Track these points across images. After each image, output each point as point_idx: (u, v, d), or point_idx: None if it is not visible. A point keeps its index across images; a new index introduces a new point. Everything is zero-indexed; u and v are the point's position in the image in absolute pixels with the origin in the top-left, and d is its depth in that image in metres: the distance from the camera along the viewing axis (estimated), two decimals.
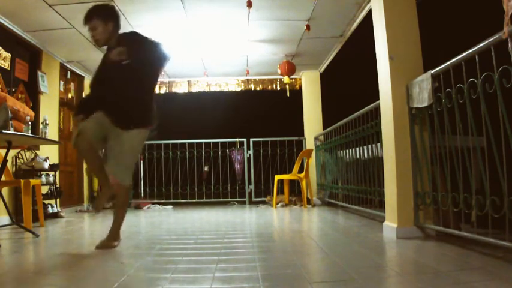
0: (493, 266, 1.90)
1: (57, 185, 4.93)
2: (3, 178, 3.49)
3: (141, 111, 2.66)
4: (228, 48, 5.48)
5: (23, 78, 4.66)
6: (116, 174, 2.61)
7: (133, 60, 2.50)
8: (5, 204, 3.69)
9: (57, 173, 4.93)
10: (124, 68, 2.51)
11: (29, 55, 4.85)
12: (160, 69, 2.81)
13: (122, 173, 2.62)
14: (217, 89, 7.04)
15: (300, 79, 6.92)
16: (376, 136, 3.56)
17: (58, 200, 4.89)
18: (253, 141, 6.77)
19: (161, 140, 6.96)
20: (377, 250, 2.48)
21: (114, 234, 2.66)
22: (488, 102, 2.04)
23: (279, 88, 6.98)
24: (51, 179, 4.71)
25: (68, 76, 5.88)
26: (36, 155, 4.67)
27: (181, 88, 6.98)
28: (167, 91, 6.97)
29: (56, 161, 5.17)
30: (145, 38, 2.64)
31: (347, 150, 4.72)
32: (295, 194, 6.24)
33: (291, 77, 5.99)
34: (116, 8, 2.83)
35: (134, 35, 2.69)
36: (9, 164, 4.02)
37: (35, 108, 4.73)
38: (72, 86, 6.13)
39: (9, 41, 4.35)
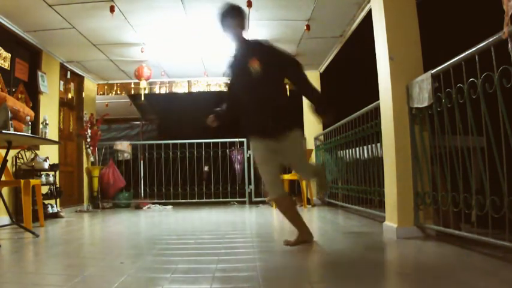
0: (493, 266, 1.90)
1: (57, 185, 4.93)
2: (3, 178, 3.49)
3: (286, 116, 2.61)
4: (228, 48, 5.47)
5: (23, 78, 4.66)
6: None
7: (266, 71, 2.50)
8: (5, 204, 3.69)
9: (57, 173, 4.93)
10: (258, 78, 2.50)
11: (29, 55, 4.85)
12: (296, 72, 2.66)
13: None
14: (217, 89, 7.03)
15: None
16: (376, 136, 3.56)
17: (58, 200, 4.89)
18: None
19: (161, 140, 6.98)
20: (377, 250, 2.48)
21: (300, 233, 2.67)
22: (488, 102, 2.04)
23: None
24: (51, 179, 4.71)
25: (68, 76, 5.88)
26: (36, 155, 4.67)
27: (181, 88, 6.98)
28: (167, 91, 6.97)
29: (56, 161, 5.17)
30: (276, 49, 2.63)
31: (347, 150, 4.72)
32: (295, 194, 6.23)
33: None
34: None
35: (272, 49, 2.63)
36: (9, 164, 4.02)
37: (35, 108, 4.72)
38: (72, 86, 6.13)
39: (9, 41, 4.35)
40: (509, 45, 1.77)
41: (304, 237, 2.65)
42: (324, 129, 6.18)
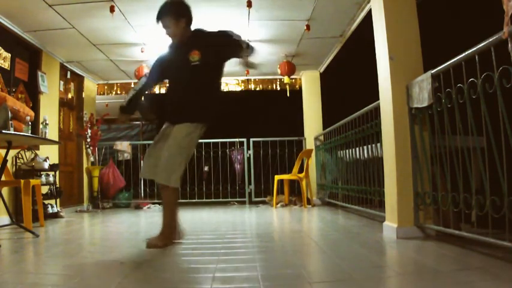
0: (493, 266, 1.89)
1: (57, 185, 4.93)
2: (3, 178, 3.49)
3: (192, 108, 2.60)
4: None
5: (23, 78, 4.66)
6: (155, 174, 2.55)
7: (203, 63, 2.56)
8: (5, 204, 3.69)
9: (57, 173, 4.93)
10: (191, 68, 2.56)
11: (29, 55, 4.85)
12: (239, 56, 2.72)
13: (162, 172, 2.51)
14: None
15: (300, 79, 6.92)
16: (376, 136, 3.56)
17: (58, 200, 4.89)
18: (253, 141, 6.77)
19: None
20: (377, 250, 2.48)
21: (162, 233, 2.63)
22: (488, 102, 2.04)
23: (279, 88, 6.97)
24: (51, 179, 4.71)
25: (68, 76, 5.88)
26: (36, 155, 4.67)
27: None
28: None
29: (56, 161, 5.17)
30: (218, 34, 2.66)
31: (347, 150, 4.72)
32: (295, 194, 6.23)
33: (291, 77, 5.98)
34: (187, 3, 2.70)
35: (208, 36, 2.67)
36: (9, 164, 4.02)
37: (35, 108, 4.72)
38: (72, 86, 6.13)
39: (9, 41, 4.34)
40: (509, 45, 1.77)
41: (173, 237, 2.64)
42: (323, 129, 6.19)
